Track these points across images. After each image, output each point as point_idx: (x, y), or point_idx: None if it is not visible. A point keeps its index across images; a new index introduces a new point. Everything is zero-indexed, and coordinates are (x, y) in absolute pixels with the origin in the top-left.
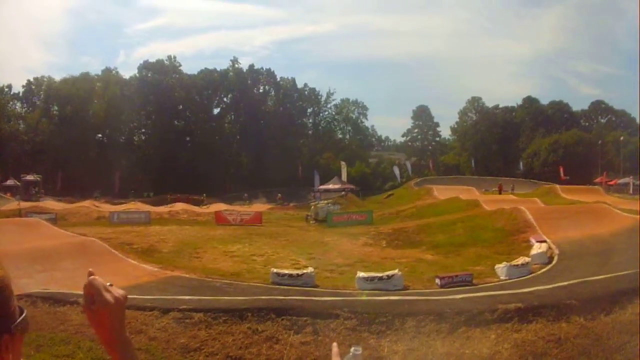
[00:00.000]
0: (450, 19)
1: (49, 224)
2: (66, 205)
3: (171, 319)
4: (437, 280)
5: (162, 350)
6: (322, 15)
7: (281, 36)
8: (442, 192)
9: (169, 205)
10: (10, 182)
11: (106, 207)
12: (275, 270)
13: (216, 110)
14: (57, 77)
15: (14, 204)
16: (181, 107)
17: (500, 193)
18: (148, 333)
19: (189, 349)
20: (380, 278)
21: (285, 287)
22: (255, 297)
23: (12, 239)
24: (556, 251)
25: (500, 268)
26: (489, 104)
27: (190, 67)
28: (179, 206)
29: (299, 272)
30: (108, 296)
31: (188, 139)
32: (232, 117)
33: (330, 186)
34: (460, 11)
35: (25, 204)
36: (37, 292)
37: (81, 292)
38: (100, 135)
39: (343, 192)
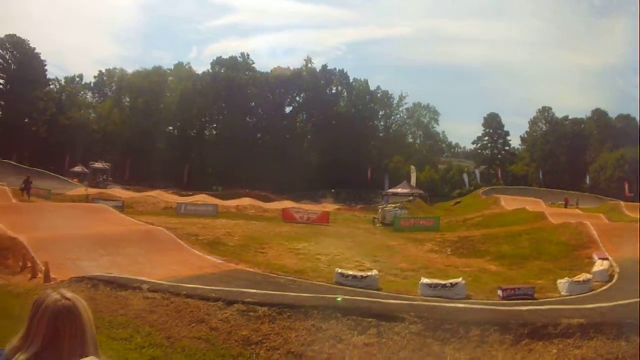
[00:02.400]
0: (523, 27)
1: (116, 211)
2: (134, 194)
3: (235, 311)
4: (500, 292)
5: (224, 342)
6: (397, 18)
7: (354, 38)
8: (509, 203)
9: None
10: (78, 168)
11: (174, 199)
12: (340, 270)
13: (288, 109)
14: (130, 70)
15: (81, 190)
16: (254, 104)
17: (566, 207)
18: (210, 323)
19: (250, 342)
20: (444, 286)
21: (348, 288)
22: (322, 295)
23: (78, 224)
24: (617, 270)
25: (562, 283)
26: (559, 114)
27: (262, 65)
28: (247, 201)
29: (364, 274)
30: None
31: (259, 136)
32: (304, 116)
33: (399, 190)
34: (533, 20)
35: (92, 191)
36: (100, 276)
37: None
38: (171, 128)
39: (411, 197)
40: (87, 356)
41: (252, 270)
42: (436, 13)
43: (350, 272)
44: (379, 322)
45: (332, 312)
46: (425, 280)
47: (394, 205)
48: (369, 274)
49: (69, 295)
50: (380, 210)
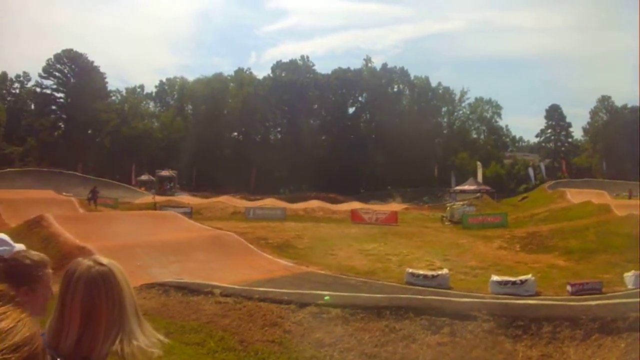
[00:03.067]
0: (576, 14)
1: (184, 217)
2: (201, 200)
3: (308, 313)
4: (568, 287)
5: (297, 344)
6: (450, 12)
7: (411, 34)
8: (574, 196)
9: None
10: (144, 176)
11: (242, 203)
12: (410, 270)
13: (351, 110)
14: (190, 78)
15: (148, 198)
16: (316, 106)
17: (630, 198)
18: (283, 326)
19: (323, 343)
20: (514, 283)
21: (419, 287)
22: (394, 296)
23: (148, 231)
24: None
25: (629, 277)
26: (618, 103)
27: (322, 67)
28: (315, 203)
29: (434, 273)
30: None
31: (323, 137)
32: (367, 116)
33: (466, 187)
34: (584, 5)
35: (160, 198)
36: (171, 282)
37: (216, 283)
38: (235, 133)
39: (478, 194)
40: (128, 329)
41: (322, 272)
42: (488, 4)
43: (421, 272)
44: (451, 320)
45: (405, 312)
46: (495, 278)
47: (461, 203)
48: (440, 272)
49: (104, 260)
50: (448, 208)
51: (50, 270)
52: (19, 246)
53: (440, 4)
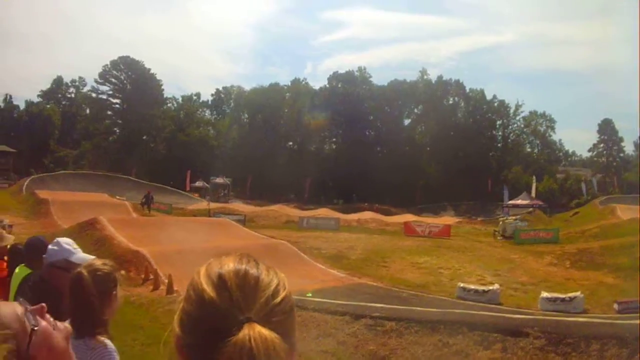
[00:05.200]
0: (628, 26)
1: (238, 224)
2: (255, 208)
3: (362, 325)
4: (616, 305)
5: (350, 355)
6: (502, 25)
7: (465, 47)
8: (624, 212)
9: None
10: (199, 183)
11: (295, 212)
12: (462, 284)
13: (406, 121)
14: (246, 87)
15: (202, 204)
16: (372, 117)
17: None
18: (337, 337)
19: (377, 356)
20: (563, 299)
21: (470, 302)
22: (448, 310)
23: (201, 237)
24: None
25: None
26: None
27: (378, 78)
28: (368, 215)
29: (485, 288)
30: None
31: (379, 149)
32: (422, 128)
33: (519, 202)
34: (636, 18)
35: (214, 205)
36: None
37: None
38: (290, 143)
39: (531, 209)
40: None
41: (374, 284)
42: (540, 17)
43: (472, 286)
44: (504, 337)
45: (459, 326)
46: (544, 294)
47: (514, 217)
48: (491, 288)
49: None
50: (500, 223)
51: (119, 277)
52: (88, 257)
53: (493, 16)
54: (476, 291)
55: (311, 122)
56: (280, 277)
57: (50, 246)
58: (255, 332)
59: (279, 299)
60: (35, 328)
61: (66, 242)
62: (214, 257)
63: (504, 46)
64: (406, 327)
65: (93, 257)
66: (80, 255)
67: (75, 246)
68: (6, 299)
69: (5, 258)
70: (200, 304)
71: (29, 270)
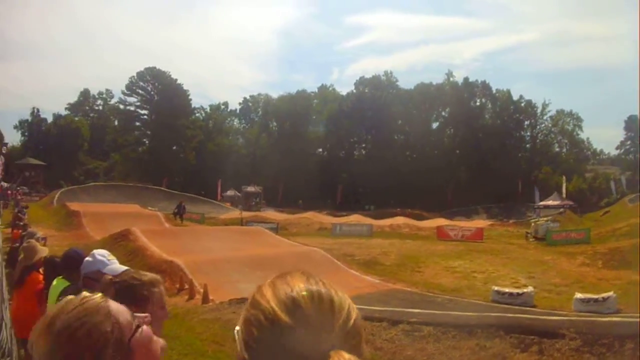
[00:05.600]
0: None
1: (271, 233)
2: (287, 216)
3: (400, 330)
4: None
5: None
6: (525, 23)
7: (489, 47)
8: None
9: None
10: (230, 192)
11: (327, 219)
12: (496, 288)
13: (434, 125)
14: (273, 95)
15: (234, 213)
16: (400, 121)
17: None
18: (375, 343)
19: None
20: (596, 300)
21: (504, 305)
22: (485, 314)
23: (234, 246)
24: None
25: None
26: None
27: (404, 82)
28: (400, 220)
29: (519, 291)
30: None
31: (408, 153)
32: (451, 131)
33: (550, 202)
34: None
35: (246, 214)
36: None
37: None
38: (320, 149)
39: (562, 209)
40: None
41: (409, 289)
42: (562, 15)
43: (506, 289)
44: (540, 339)
45: (495, 330)
46: (578, 295)
47: (545, 219)
48: (525, 290)
49: None
50: (532, 224)
51: (161, 289)
52: (121, 268)
53: (516, 16)
54: (510, 294)
55: (340, 128)
56: (346, 296)
57: (86, 258)
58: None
59: (352, 321)
60: (141, 327)
61: (101, 253)
62: (247, 265)
63: (528, 45)
64: (443, 331)
65: (126, 268)
66: (113, 267)
67: (111, 257)
68: (44, 310)
69: (41, 270)
70: (274, 331)
71: (67, 283)
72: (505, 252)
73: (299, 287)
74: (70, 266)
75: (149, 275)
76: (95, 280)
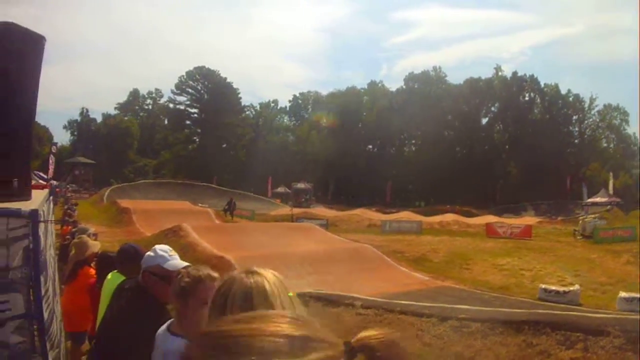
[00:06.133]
0: None
1: (321, 229)
2: (337, 213)
3: (448, 327)
4: None
5: (436, 357)
6: (571, 16)
7: (536, 40)
8: None
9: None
10: (280, 189)
11: (377, 216)
12: (543, 286)
13: (484, 120)
14: (323, 92)
15: (284, 209)
16: (450, 117)
17: None
18: (424, 339)
19: (462, 357)
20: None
21: (551, 303)
22: (533, 311)
23: (284, 242)
24: None
25: None
26: None
27: (452, 77)
28: (450, 217)
29: (566, 289)
30: None
31: (457, 149)
32: (500, 126)
33: (598, 199)
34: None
35: (296, 210)
36: (310, 292)
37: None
38: (370, 146)
39: (609, 206)
40: None
41: (457, 286)
42: (608, 7)
43: (553, 287)
44: (585, 336)
45: (543, 327)
46: (622, 294)
47: (592, 216)
48: (571, 289)
49: (259, 270)
50: (580, 222)
51: (213, 284)
52: (182, 263)
53: (561, 8)
54: (557, 292)
55: (390, 124)
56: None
57: (147, 253)
58: None
59: None
60: None
61: (162, 249)
62: (297, 262)
63: (573, 38)
64: (491, 328)
65: (187, 263)
66: (174, 262)
67: (172, 253)
68: (96, 303)
69: (93, 265)
70: None
71: (122, 277)
72: (552, 249)
73: None
74: (126, 260)
75: (199, 272)
76: (156, 275)
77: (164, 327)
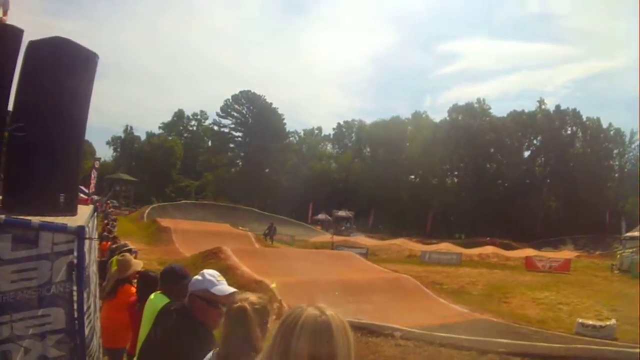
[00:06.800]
0: None
1: (361, 258)
2: (377, 242)
3: None
4: None
5: None
6: (613, 49)
7: (578, 74)
8: None
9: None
10: (321, 216)
11: (417, 247)
12: (580, 320)
13: (526, 153)
14: (367, 121)
15: (324, 237)
16: (492, 150)
17: None
18: None
19: None
20: None
21: (587, 338)
22: (571, 346)
23: (323, 269)
24: None
25: None
26: None
27: (496, 109)
28: (489, 249)
29: (602, 324)
30: None
31: (499, 182)
32: (542, 160)
33: (636, 233)
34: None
35: (336, 238)
36: (350, 321)
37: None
38: (412, 176)
39: None
40: None
41: (495, 319)
42: None
43: (590, 322)
44: None
45: None
46: None
47: (630, 250)
48: (607, 323)
49: (328, 310)
50: (618, 256)
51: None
52: (230, 289)
53: (603, 41)
54: (594, 326)
55: (433, 155)
56: None
57: (195, 277)
58: None
59: None
60: None
61: (210, 273)
62: (337, 289)
63: (616, 71)
64: None
65: (234, 289)
66: (222, 287)
67: (220, 278)
68: (136, 322)
69: (134, 283)
70: None
71: (165, 297)
72: (590, 284)
73: None
74: (171, 281)
75: (265, 296)
76: (203, 299)
77: (210, 355)
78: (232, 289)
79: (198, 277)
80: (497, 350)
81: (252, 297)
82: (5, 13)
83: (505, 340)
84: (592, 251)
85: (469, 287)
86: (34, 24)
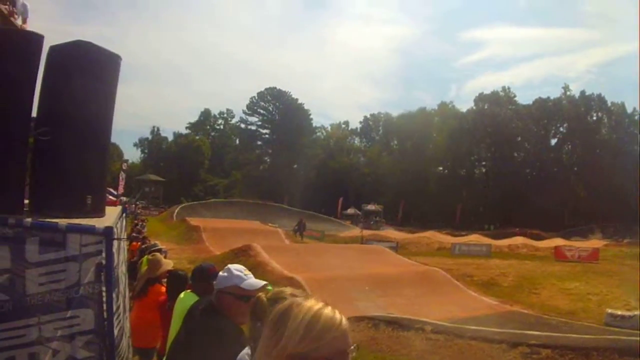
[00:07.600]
0: None
1: (391, 251)
2: (406, 235)
3: (519, 353)
4: None
5: None
6: (633, 31)
7: (600, 58)
8: None
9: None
10: (350, 210)
11: (447, 239)
12: (609, 310)
13: (553, 141)
14: (393, 113)
15: (354, 231)
16: (519, 138)
17: None
18: None
19: None
20: None
21: (616, 328)
22: (601, 337)
23: (354, 264)
24: None
25: None
26: None
27: (521, 97)
28: (519, 240)
29: (630, 314)
30: None
31: (527, 171)
32: (569, 147)
33: None
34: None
35: (366, 232)
36: (380, 316)
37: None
38: (441, 168)
39: None
40: None
41: (525, 311)
42: None
43: (619, 312)
44: None
45: (610, 353)
46: None
47: None
48: (635, 313)
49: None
50: None
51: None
52: (260, 282)
53: (623, 24)
54: (622, 317)
55: (461, 146)
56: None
57: (220, 273)
58: None
59: None
60: None
61: (237, 268)
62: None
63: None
64: (561, 354)
65: (265, 282)
66: (251, 281)
67: (247, 272)
68: (166, 321)
69: (164, 282)
70: None
71: (195, 296)
72: (618, 273)
73: None
74: (202, 279)
75: (299, 291)
76: (233, 295)
77: (244, 352)
78: (262, 282)
79: (224, 273)
80: (529, 343)
81: (288, 291)
82: (25, 21)
83: (536, 332)
84: (621, 239)
85: (499, 279)
86: (62, 33)
